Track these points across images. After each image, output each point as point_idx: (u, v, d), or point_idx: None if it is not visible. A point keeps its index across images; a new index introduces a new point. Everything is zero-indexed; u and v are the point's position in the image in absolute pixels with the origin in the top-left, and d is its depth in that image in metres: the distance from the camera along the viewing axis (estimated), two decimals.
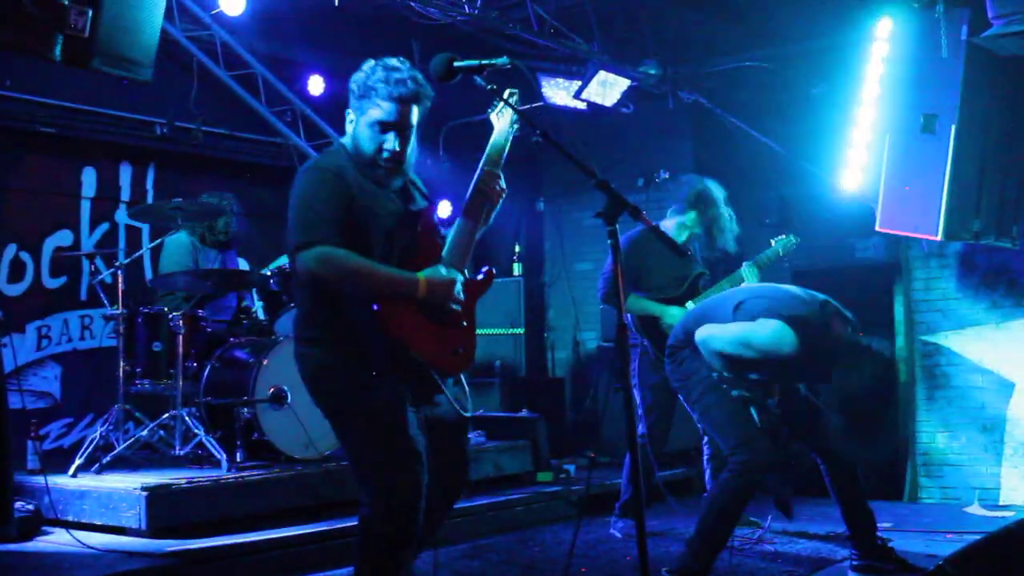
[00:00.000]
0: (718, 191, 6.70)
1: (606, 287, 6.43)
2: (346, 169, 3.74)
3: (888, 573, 5.28)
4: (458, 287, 3.76)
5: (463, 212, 3.98)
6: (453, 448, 4.00)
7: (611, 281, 5.79)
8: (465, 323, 3.86)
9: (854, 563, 5.34)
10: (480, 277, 4.01)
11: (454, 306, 3.77)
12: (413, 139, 3.85)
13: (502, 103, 3.96)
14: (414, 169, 3.98)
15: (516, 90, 3.99)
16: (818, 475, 5.33)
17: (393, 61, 3.78)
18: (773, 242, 6.72)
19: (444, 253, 3.85)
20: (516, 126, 4.01)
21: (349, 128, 3.85)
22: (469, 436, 7.46)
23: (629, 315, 6.31)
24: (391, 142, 3.75)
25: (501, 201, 4.04)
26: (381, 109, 3.73)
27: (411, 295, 3.65)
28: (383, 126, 3.74)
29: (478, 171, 3.97)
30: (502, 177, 3.98)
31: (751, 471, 4.91)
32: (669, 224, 6.69)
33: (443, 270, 3.75)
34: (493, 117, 4.02)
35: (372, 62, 3.79)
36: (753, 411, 4.93)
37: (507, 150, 4.01)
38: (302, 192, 3.68)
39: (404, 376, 3.69)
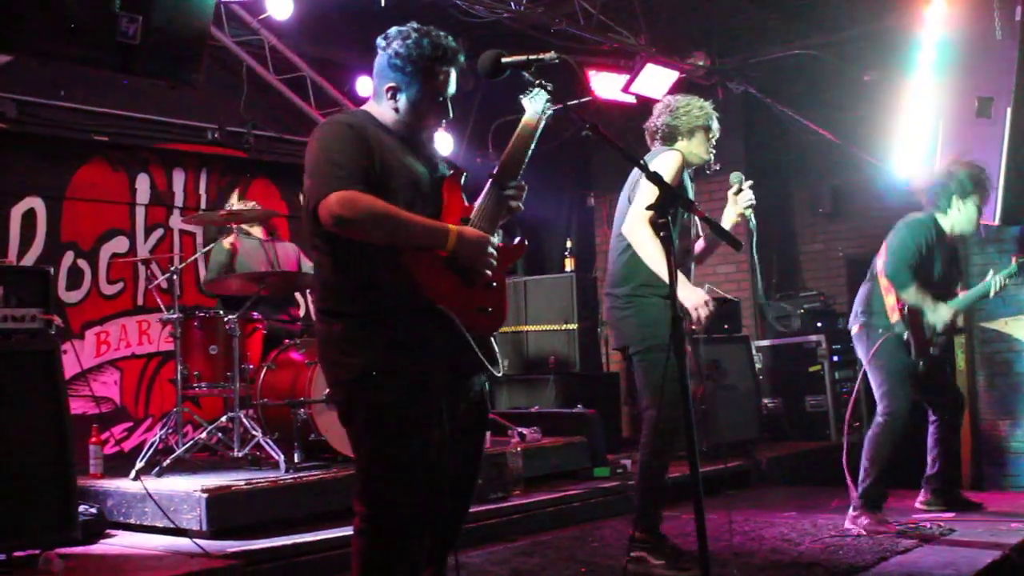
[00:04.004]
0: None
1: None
2: (367, 126, 3.57)
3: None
4: (491, 248, 3.56)
5: (493, 178, 3.71)
6: (468, 440, 3.75)
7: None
8: (495, 284, 3.65)
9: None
10: (515, 243, 3.81)
11: (485, 269, 3.56)
12: None
13: (537, 87, 3.75)
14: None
15: (549, 84, 3.78)
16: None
17: (437, 31, 3.66)
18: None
19: (472, 216, 3.62)
20: (550, 111, 3.77)
21: (391, 100, 3.63)
22: (521, 432, 7.52)
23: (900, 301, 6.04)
24: (449, 111, 3.71)
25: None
26: (446, 82, 3.65)
27: (439, 246, 3.45)
28: (446, 98, 3.67)
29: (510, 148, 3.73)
30: (524, 188, 3.73)
31: (655, 428, 5.12)
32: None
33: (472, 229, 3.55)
34: (526, 102, 3.79)
35: (414, 31, 3.63)
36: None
37: (537, 137, 3.77)
38: (321, 144, 3.49)
39: (434, 344, 3.46)
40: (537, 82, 3.72)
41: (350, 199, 3.34)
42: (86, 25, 4.62)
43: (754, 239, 5.10)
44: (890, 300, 6.02)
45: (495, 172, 3.71)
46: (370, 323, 3.46)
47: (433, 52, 3.59)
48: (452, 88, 3.67)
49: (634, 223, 5.09)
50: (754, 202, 5.27)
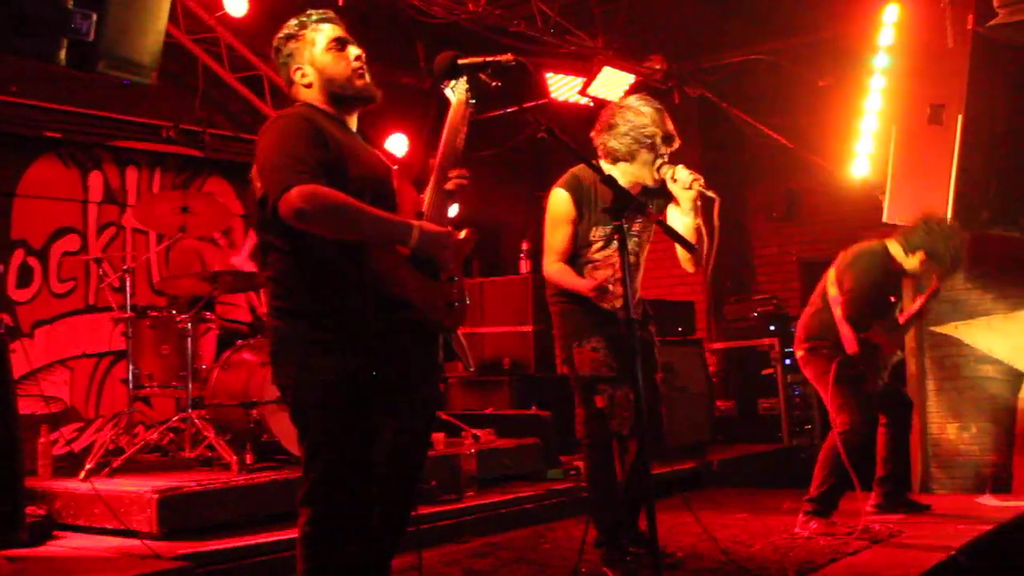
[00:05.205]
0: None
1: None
2: (318, 118, 3.54)
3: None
4: (452, 241, 3.52)
5: (435, 170, 3.69)
6: (415, 441, 3.73)
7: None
8: (455, 278, 3.61)
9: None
10: (462, 235, 3.67)
11: (448, 263, 3.55)
12: None
13: (456, 80, 3.73)
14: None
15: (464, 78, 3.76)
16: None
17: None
18: None
19: (424, 209, 3.59)
20: (472, 100, 3.72)
21: (303, 80, 3.67)
22: (475, 433, 7.51)
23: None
24: (354, 49, 3.66)
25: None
26: (327, 30, 3.67)
27: (402, 242, 3.39)
28: (339, 42, 3.65)
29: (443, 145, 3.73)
30: (467, 173, 3.71)
31: (590, 444, 5.05)
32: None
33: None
34: (448, 91, 3.77)
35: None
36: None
37: (466, 122, 3.73)
38: (273, 139, 3.42)
39: (402, 343, 3.45)
40: (463, 70, 3.71)
41: (312, 192, 3.27)
42: (38, 20, 4.56)
43: (715, 204, 4.65)
44: (846, 332, 5.98)
45: (436, 164, 3.69)
46: (340, 324, 3.39)
47: (299, 21, 3.69)
48: (336, 32, 3.67)
49: (545, 272, 5.37)
50: (697, 177, 4.80)
